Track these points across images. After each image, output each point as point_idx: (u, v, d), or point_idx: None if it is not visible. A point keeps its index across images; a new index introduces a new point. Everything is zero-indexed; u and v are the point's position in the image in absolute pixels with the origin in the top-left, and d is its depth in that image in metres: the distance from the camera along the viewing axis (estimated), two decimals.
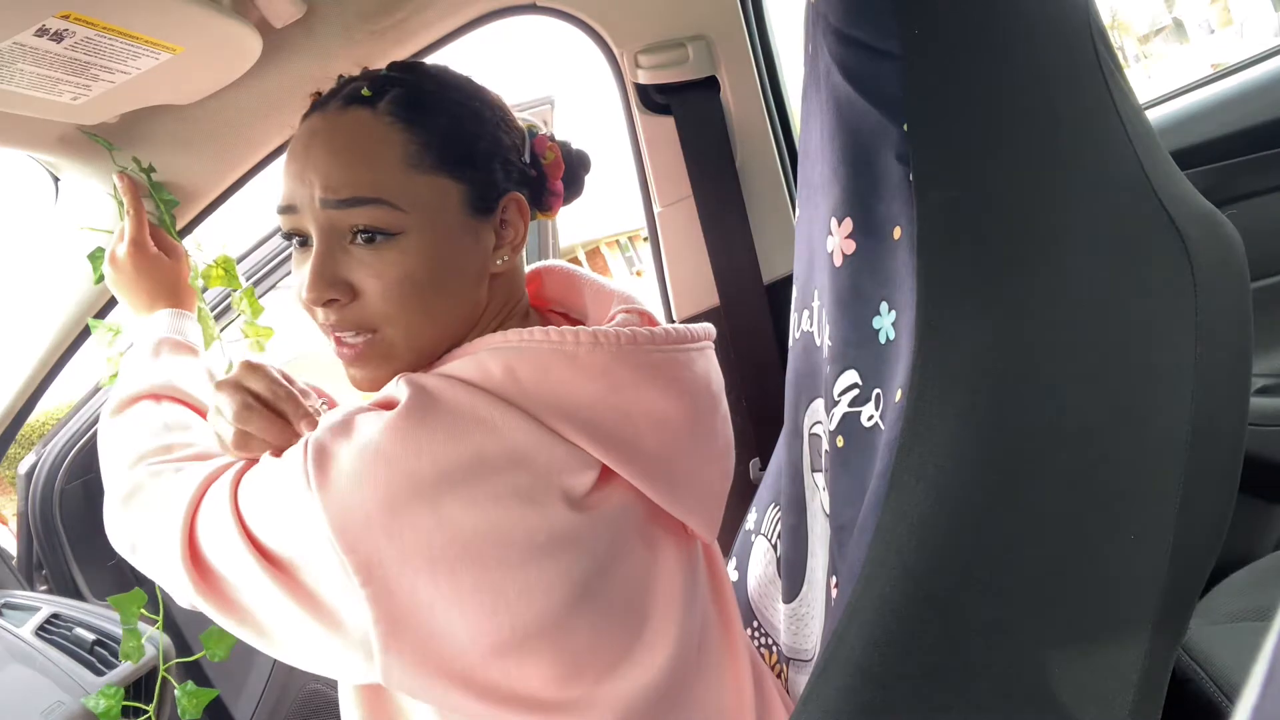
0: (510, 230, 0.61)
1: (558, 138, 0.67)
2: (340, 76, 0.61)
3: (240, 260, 1.44)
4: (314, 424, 0.56)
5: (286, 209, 0.58)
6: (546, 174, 0.64)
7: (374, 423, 0.51)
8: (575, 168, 0.68)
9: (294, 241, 0.59)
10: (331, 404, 0.74)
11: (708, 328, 0.66)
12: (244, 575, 0.53)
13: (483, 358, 0.54)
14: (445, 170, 0.57)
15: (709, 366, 0.64)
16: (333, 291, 0.56)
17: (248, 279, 1.42)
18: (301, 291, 0.57)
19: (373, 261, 0.56)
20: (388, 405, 0.52)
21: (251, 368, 0.62)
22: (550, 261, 0.73)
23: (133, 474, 0.63)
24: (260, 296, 1.43)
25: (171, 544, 0.56)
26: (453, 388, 0.52)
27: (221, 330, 0.91)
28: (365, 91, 0.57)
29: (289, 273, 1.44)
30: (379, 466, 0.49)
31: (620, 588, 0.56)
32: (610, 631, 0.56)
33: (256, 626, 0.55)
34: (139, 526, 0.60)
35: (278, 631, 0.54)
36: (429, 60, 0.95)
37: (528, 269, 0.72)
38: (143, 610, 0.90)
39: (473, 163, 0.58)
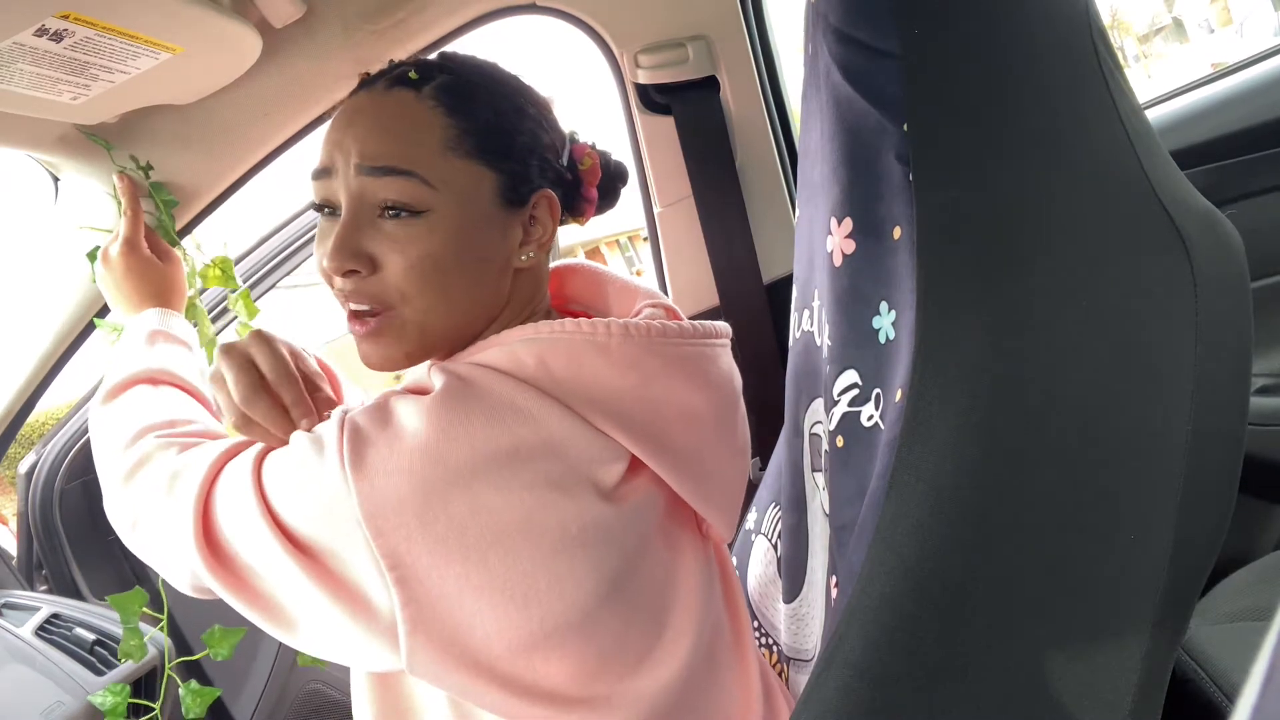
0: (539, 228, 0.61)
1: (599, 147, 0.67)
2: (391, 61, 0.62)
3: (240, 260, 1.44)
4: (313, 423, 0.55)
5: (322, 173, 0.58)
6: (582, 179, 0.65)
7: (411, 408, 0.51)
8: (612, 178, 0.68)
9: (323, 213, 0.59)
10: (336, 384, 0.74)
11: (726, 327, 0.66)
12: (266, 559, 0.52)
13: (515, 348, 0.54)
14: (480, 158, 0.57)
15: (730, 364, 0.65)
16: (354, 262, 0.55)
17: (247, 279, 1.42)
18: (323, 260, 0.56)
19: (398, 236, 0.55)
20: (419, 392, 0.52)
21: (261, 339, 0.59)
22: (572, 260, 0.73)
23: (137, 447, 0.62)
24: (260, 296, 1.43)
25: (182, 523, 0.54)
26: (488, 376, 0.52)
27: (218, 333, 0.91)
28: (412, 75, 0.58)
29: (289, 273, 1.45)
30: (416, 453, 0.49)
31: (645, 585, 0.57)
32: (635, 629, 0.56)
33: (275, 612, 0.54)
34: (142, 502, 0.59)
35: (299, 617, 0.53)
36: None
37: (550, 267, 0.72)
38: (146, 610, 0.90)
39: (508, 155, 0.58)
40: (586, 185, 0.65)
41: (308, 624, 0.53)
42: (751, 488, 0.98)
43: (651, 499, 0.58)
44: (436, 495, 0.49)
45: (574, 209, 0.66)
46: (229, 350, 0.59)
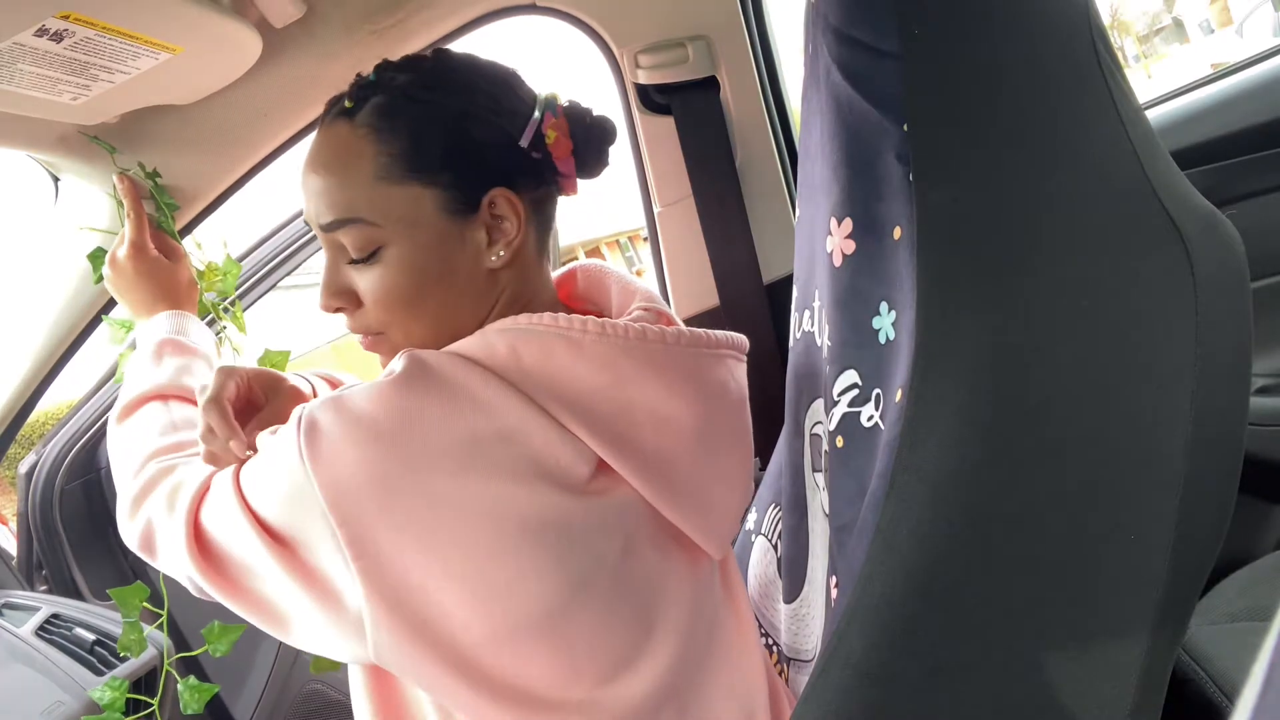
0: (506, 224, 0.60)
1: (578, 106, 0.63)
2: (359, 75, 0.61)
3: (240, 260, 1.44)
4: (243, 446, 0.58)
5: (306, 220, 0.62)
6: (552, 154, 0.61)
7: (365, 394, 0.51)
8: (586, 142, 0.63)
9: None
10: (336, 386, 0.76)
11: (736, 338, 0.64)
12: (249, 554, 0.53)
13: (490, 336, 0.54)
14: (416, 178, 0.57)
15: (729, 376, 0.62)
16: (338, 301, 0.60)
17: (247, 279, 1.42)
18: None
19: (364, 276, 0.59)
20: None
21: (220, 374, 0.63)
22: (586, 261, 0.73)
23: (144, 472, 0.64)
24: (260, 297, 1.43)
25: (177, 531, 0.56)
26: (453, 363, 0.52)
27: (217, 334, 0.91)
28: (348, 103, 0.59)
29: (289, 273, 1.45)
30: (371, 439, 0.49)
31: (626, 588, 0.55)
32: (614, 632, 0.55)
33: (265, 609, 0.55)
34: (150, 520, 0.61)
35: (285, 612, 0.54)
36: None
37: (564, 269, 0.72)
38: (146, 605, 0.90)
39: (447, 166, 0.57)
40: (557, 159, 0.61)
41: (293, 619, 0.54)
42: (752, 488, 0.98)
43: (632, 501, 0.57)
44: (393, 483, 0.49)
45: (554, 186, 0.63)
46: (201, 390, 0.63)
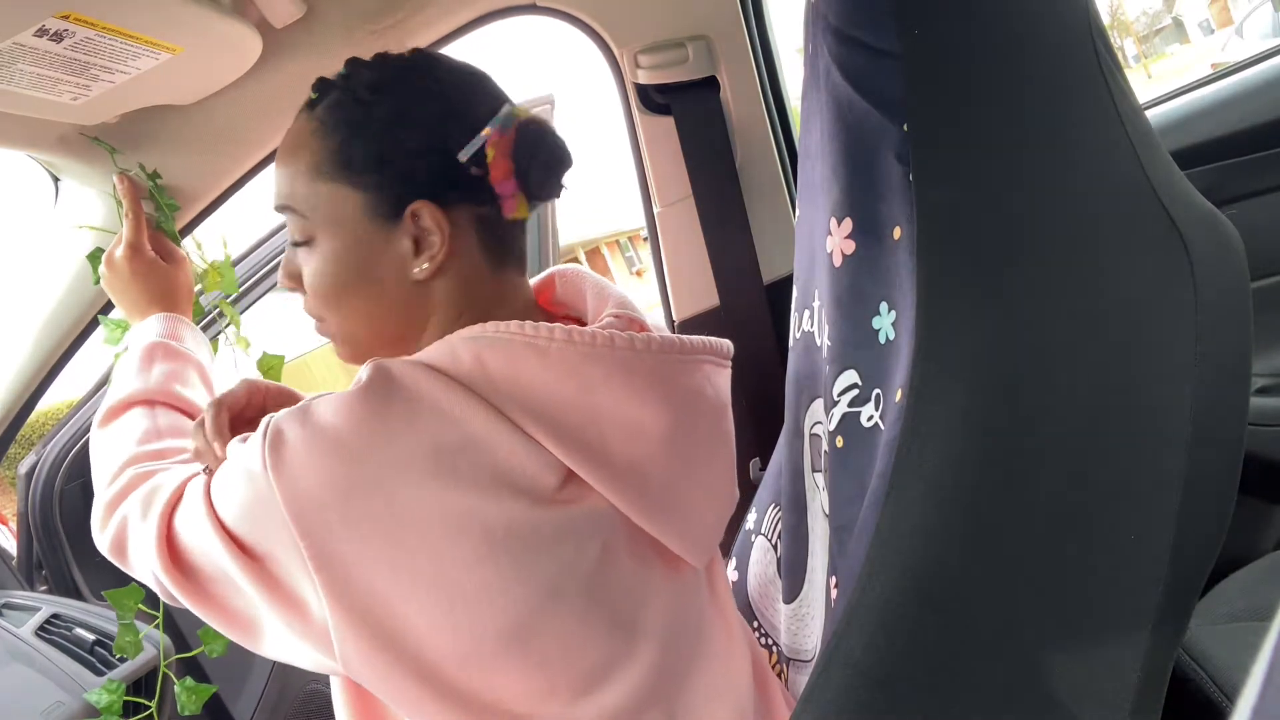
0: (432, 237, 0.57)
1: (535, 126, 0.59)
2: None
3: (239, 261, 1.44)
4: (224, 442, 0.59)
5: None
6: (491, 172, 0.57)
7: (330, 405, 0.51)
8: (529, 165, 0.58)
9: None
10: None
11: (716, 344, 0.62)
12: (217, 563, 0.53)
13: (455, 345, 0.53)
14: (345, 179, 0.58)
15: (705, 382, 0.60)
16: (290, 282, 0.63)
17: (245, 280, 1.42)
18: None
19: (301, 262, 0.62)
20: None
21: (242, 386, 0.66)
22: (565, 265, 0.72)
23: (121, 478, 0.64)
24: (259, 298, 1.43)
25: (149, 535, 0.56)
26: (416, 373, 0.52)
27: (213, 338, 0.91)
28: (313, 94, 0.60)
29: None
30: (332, 450, 0.49)
31: (602, 598, 0.54)
32: (588, 643, 0.54)
33: (230, 616, 0.55)
34: (125, 521, 0.61)
35: (251, 621, 0.54)
36: None
37: (543, 275, 0.71)
38: (142, 607, 0.90)
39: (373, 170, 0.57)
40: (493, 180, 0.57)
41: (262, 628, 0.54)
42: (751, 488, 0.98)
43: (604, 511, 0.55)
44: (357, 495, 0.48)
45: (492, 204, 0.59)
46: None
